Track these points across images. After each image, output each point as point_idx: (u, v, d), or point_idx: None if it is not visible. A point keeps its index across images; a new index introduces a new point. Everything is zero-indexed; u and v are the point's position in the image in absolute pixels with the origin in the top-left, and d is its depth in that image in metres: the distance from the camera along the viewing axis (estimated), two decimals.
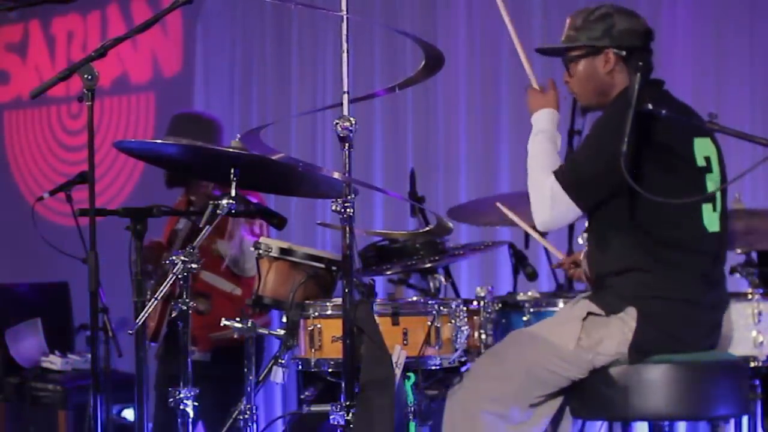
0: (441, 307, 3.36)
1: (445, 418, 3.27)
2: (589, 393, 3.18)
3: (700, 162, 3.19)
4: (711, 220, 3.19)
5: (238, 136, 3.38)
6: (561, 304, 3.93)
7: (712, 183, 3.20)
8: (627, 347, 3.11)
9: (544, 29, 5.87)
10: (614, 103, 3.26)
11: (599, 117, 3.29)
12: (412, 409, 3.31)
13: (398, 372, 3.15)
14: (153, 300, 3.15)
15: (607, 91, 3.31)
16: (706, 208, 3.18)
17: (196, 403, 3.29)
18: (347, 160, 3.05)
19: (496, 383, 3.22)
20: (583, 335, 3.14)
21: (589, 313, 3.15)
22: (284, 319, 3.46)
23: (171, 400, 3.27)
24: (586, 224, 3.37)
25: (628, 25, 3.27)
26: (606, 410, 3.18)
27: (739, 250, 4.41)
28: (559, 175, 3.17)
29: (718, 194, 3.22)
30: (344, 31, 3.04)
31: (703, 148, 3.21)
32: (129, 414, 5.45)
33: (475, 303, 3.87)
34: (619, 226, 3.16)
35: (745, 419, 4.37)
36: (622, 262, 3.17)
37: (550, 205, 3.15)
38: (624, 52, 3.26)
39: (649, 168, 3.09)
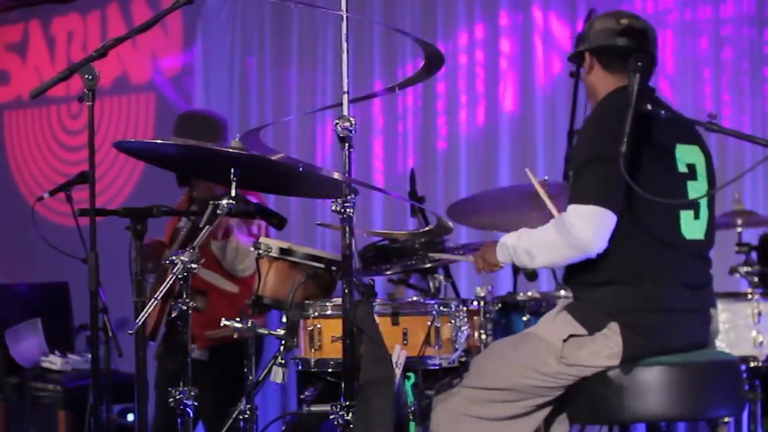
0: (441, 307, 3.36)
1: (432, 421, 3.27)
2: (585, 398, 3.17)
3: (682, 168, 3.15)
4: (690, 227, 3.15)
5: (238, 136, 3.38)
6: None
7: (695, 191, 3.16)
8: (615, 360, 3.09)
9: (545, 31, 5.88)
10: (598, 107, 3.25)
11: (583, 127, 3.27)
12: (412, 409, 3.31)
13: (398, 372, 3.15)
14: (153, 300, 3.14)
15: (593, 92, 3.32)
16: (686, 215, 3.14)
17: (195, 403, 3.29)
18: (347, 160, 3.04)
19: (481, 392, 3.21)
20: (565, 353, 3.11)
21: (571, 336, 3.12)
22: (284, 319, 3.46)
23: (171, 400, 3.27)
24: None
25: (603, 25, 3.26)
26: (603, 414, 3.17)
27: (739, 229, 4.42)
28: (575, 199, 3.05)
29: (704, 203, 3.18)
30: (344, 31, 3.04)
31: (687, 155, 3.17)
32: (132, 417, 5.45)
33: (475, 303, 3.87)
34: None
35: (745, 419, 4.38)
36: (600, 274, 3.12)
37: (588, 224, 3.01)
38: (596, 53, 3.26)
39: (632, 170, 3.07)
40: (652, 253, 3.11)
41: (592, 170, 3.05)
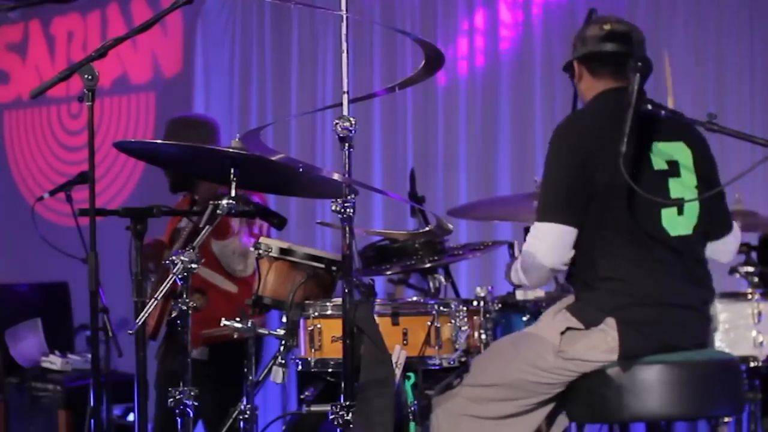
0: (441, 307, 3.36)
1: (432, 422, 3.28)
2: (584, 396, 3.17)
3: (659, 166, 3.16)
4: (673, 223, 3.16)
5: (238, 136, 3.38)
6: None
7: (678, 186, 3.17)
8: (613, 355, 3.10)
9: (545, 43, 5.87)
10: (561, 123, 3.31)
11: (550, 140, 3.30)
12: (412, 409, 3.31)
13: (398, 372, 3.15)
14: (153, 300, 3.14)
15: (583, 98, 3.37)
16: (667, 213, 3.15)
17: (195, 403, 3.29)
18: (347, 160, 3.04)
19: (480, 390, 3.22)
20: (563, 347, 3.13)
21: (569, 328, 3.14)
22: (284, 319, 3.46)
23: (171, 400, 3.27)
24: None
25: (588, 32, 3.30)
26: (602, 413, 3.17)
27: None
28: (536, 215, 3.18)
29: (690, 198, 3.18)
30: (344, 31, 3.04)
31: (667, 152, 3.18)
32: (132, 416, 5.45)
33: (475, 303, 3.87)
34: (589, 231, 3.15)
35: (745, 419, 4.38)
36: (596, 271, 3.15)
37: (540, 242, 3.14)
38: (583, 60, 3.30)
39: (600, 171, 3.09)
40: (639, 249, 3.13)
41: (547, 189, 3.19)
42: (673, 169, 3.19)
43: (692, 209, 3.20)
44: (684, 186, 3.18)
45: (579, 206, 3.14)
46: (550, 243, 3.14)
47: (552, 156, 3.22)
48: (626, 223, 3.11)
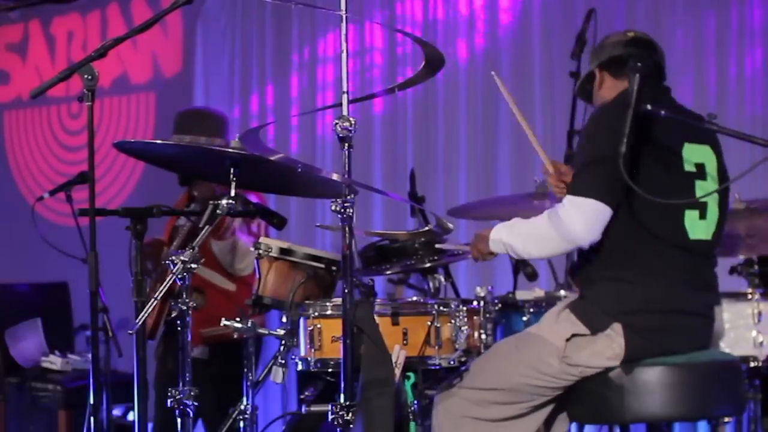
0: (441, 307, 3.36)
1: (433, 422, 3.27)
2: (586, 398, 3.16)
3: (689, 167, 3.15)
4: (695, 227, 3.15)
5: (238, 136, 3.38)
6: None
7: (703, 190, 3.15)
8: (616, 359, 3.09)
9: (544, 50, 5.88)
10: (601, 106, 3.29)
11: (585, 125, 3.29)
12: (412, 409, 3.31)
13: (398, 372, 3.15)
14: (153, 300, 3.14)
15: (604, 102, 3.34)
16: (690, 214, 3.14)
17: (195, 403, 3.29)
18: (347, 160, 3.04)
19: (482, 393, 3.21)
20: (567, 353, 3.11)
21: (574, 335, 3.11)
22: (284, 319, 3.46)
23: (170, 399, 3.27)
24: None
25: (610, 41, 3.35)
26: (603, 414, 3.17)
27: (742, 256, 4.39)
28: (573, 189, 3.08)
29: (711, 204, 3.18)
30: (344, 31, 3.04)
31: (695, 155, 3.17)
32: (132, 416, 5.45)
33: (475, 303, 3.87)
34: (608, 227, 3.09)
35: (745, 419, 4.37)
36: (607, 269, 3.12)
37: (578, 215, 3.03)
38: (605, 66, 3.32)
39: (633, 169, 3.06)
40: (657, 253, 3.11)
41: (591, 167, 3.08)
42: (700, 172, 3.17)
43: (713, 216, 3.19)
44: (709, 190, 3.16)
45: (620, 191, 3.04)
46: (588, 218, 3.03)
47: (600, 135, 3.10)
48: (646, 223, 3.09)
